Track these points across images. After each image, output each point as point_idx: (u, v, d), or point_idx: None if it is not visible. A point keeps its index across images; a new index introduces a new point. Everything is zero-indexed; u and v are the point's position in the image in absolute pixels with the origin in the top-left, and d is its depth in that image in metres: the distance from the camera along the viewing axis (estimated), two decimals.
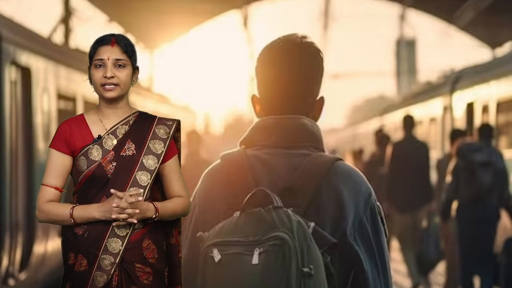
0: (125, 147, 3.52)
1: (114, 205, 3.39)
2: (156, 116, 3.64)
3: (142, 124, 3.58)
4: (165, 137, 3.57)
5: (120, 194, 3.41)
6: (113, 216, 3.42)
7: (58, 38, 18.96)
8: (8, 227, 8.49)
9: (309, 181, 2.36)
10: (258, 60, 2.54)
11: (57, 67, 10.51)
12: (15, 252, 8.72)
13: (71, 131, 3.52)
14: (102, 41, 3.53)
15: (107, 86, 3.48)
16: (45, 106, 9.92)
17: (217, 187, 2.43)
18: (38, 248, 9.32)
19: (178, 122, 3.60)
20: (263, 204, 2.25)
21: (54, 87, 10.33)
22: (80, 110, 11.24)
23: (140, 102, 17.55)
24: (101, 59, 3.50)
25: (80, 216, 3.43)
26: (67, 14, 19.28)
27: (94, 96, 3.61)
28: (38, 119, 9.58)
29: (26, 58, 9.28)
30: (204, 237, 2.25)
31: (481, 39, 27.47)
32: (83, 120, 3.56)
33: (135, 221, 3.43)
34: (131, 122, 3.57)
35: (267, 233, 2.18)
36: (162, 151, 3.55)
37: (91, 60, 3.53)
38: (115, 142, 3.53)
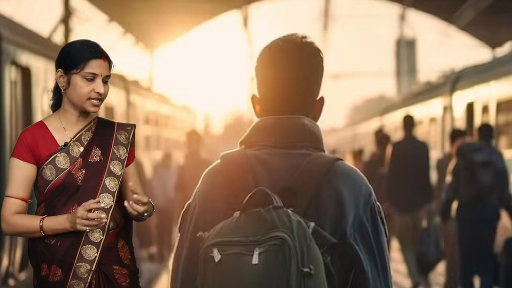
0: (92, 153, 3.46)
1: (79, 214, 3.29)
2: (114, 122, 3.62)
3: (104, 130, 3.53)
4: (126, 142, 3.54)
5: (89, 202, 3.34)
6: (83, 228, 3.34)
7: (58, 38, 18.95)
8: None
9: (309, 181, 2.36)
10: (258, 60, 2.53)
11: None
12: (15, 252, 8.71)
13: (35, 140, 3.42)
14: (93, 53, 3.43)
15: (93, 101, 3.43)
16: (45, 106, 9.91)
17: (217, 187, 2.43)
18: None
19: (135, 127, 3.59)
20: (263, 204, 2.25)
21: None
22: None
23: (140, 102, 17.54)
24: (94, 74, 3.44)
25: (50, 228, 3.35)
26: (67, 14, 19.28)
27: None
28: (38, 119, 9.55)
29: (26, 58, 9.28)
30: (204, 237, 2.25)
31: (481, 39, 27.46)
32: (45, 127, 3.48)
33: (106, 221, 3.39)
34: (93, 128, 3.54)
35: (267, 233, 2.18)
36: (126, 157, 3.53)
37: (75, 67, 3.42)
38: (81, 149, 3.47)
